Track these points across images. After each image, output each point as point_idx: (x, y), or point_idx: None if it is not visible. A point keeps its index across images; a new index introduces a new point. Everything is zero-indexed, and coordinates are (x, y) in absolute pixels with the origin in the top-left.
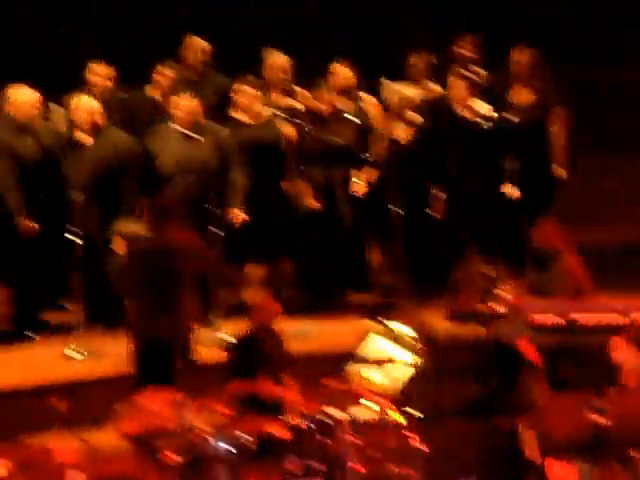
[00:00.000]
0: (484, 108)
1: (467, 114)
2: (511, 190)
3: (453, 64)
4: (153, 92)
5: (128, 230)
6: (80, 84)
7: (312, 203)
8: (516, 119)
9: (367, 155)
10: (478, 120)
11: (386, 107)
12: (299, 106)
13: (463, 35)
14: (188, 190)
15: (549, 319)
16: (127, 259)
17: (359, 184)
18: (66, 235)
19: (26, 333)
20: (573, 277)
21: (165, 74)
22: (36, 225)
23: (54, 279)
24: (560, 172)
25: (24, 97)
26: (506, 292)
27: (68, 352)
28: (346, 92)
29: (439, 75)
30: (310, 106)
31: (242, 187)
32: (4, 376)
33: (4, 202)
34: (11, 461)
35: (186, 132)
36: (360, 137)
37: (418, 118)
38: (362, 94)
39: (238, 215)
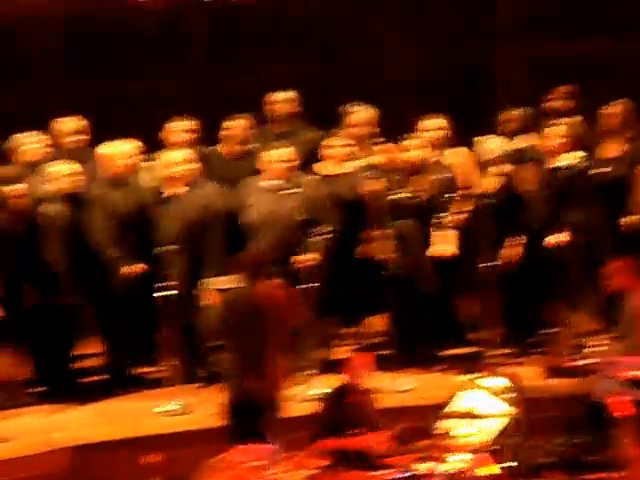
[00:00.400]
0: (574, 158)
1: (557, 165)
2: (555, 239)
3: (546, 116)
4: (224, 147)
5: (219, 285)
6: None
7: (387, 257)
8: (602, 171)
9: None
10: (566, 171)
11: (478, 161)
12: (385, 160)
13: (556, 87)
14: (274, 244)
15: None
16: (219, 314)
17: (443, 247)
18: (157, 289)
19: (119, 387)
20: None
21: (234, 128)
22: (140, 266)
23: (146, 333)
24: (628, 222)
25: (117, 151)
26: (599, 346)
27: (159, 409)
28: (435, 146)
29: (534, 128)
30: (396, 160)
31: (324, 239)
32: (97, 429)
33: (101, 256)
34: None
35: (274, 185)
36: (447, 191)
37: (506, 170)
38: (451, 149)
39: (306, 259)
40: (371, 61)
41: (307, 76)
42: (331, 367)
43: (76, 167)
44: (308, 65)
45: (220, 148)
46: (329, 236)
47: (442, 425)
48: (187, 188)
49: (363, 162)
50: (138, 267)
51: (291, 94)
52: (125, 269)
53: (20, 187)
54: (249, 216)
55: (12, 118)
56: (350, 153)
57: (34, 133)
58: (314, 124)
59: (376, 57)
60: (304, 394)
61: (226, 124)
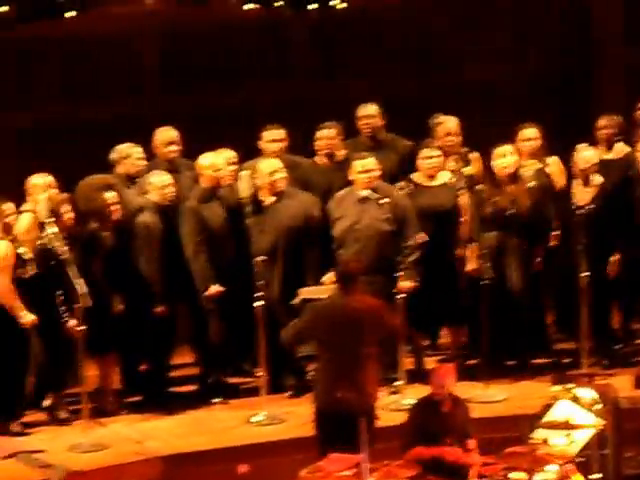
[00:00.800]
0: None
1: None
2: None
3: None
4: (320, 159)
5: (313, 294)
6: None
7: (476, 270)
8: None
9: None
10: None
11: (573, 171)
12: (478, 170)
13: None
14: (362, 254)
15: None
16: (312, 324)
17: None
18: (251, 299)
19: (212, 397)
20: None
21: (326, 139)
22: (221, 289)
23: (239, 343)
24: None
25: (209, 163)
26: None
27: (252, 419)
28: (530, 156)
29: (628, 137)
30: (490, 170)
31: (415, 252)
32: (189, 439)
33: (191, 268)
34: None
35: (363, 196)
36: (542, 201)
37: (601, 180)
38: (548, 158)
39: (406, 284)
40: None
41: (404, 86)
42: (420, 377)
43: (172, 178)
44: (403, 74)
45: (315, 158)
46: (420, 252)
47: (537, 435)
48: (280, 197)
49: (457, 173)
50: (216, 289)
51: (377, 107)
52: (206, 290)
53: (116, 196)
54: (338, 226)
55: (112, 129)
56: (443, 164)
57: (133, 145)
58: (407, 135)
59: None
60: (394, 404)
61: (317, 134)
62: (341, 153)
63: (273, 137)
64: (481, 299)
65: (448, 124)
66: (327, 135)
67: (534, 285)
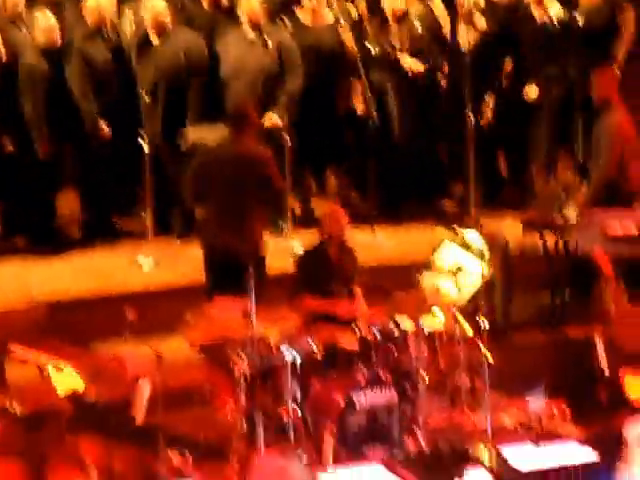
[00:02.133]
0: (556, 9)
1: (540, 16)
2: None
3: None
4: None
5: (197, 136)
6: None
7: (364, 110)
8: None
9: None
10: (549, 22)
11: (456, 11)
12: (360, 12)
13: None
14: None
15: (623, 229)
16: (196, 166)
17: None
18: (136, 139)
19: (98, 240)
20: (620, 132)
21: None
22: (107, 128)
23: (125, 185)
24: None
25: (95, 2)
26: (580, 201)
27: (139, 260)
28: None
29: None
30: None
31: (294, 91)
32: (75, 283)
33: (77, 107)
34: (82, 369)
35: (249, 35)
36: (425, 42)
37: (485, 22)
38: None
39: (273, 119)
40: None
41: None
42: (309, 221)
43: (53, 18)
44: None
45: None
46: (298, 92)
47: (424, 280)
48: (164, 37)
49: (341, 12)
50: (105, 129)
51: None
52: (97, 126)
53: None
54: (225, 67)
55: None
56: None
57: None
58: None
59: None
60: (282, 250)
61: None
62: None
63: None
64: (367, 141)
65: None
66: None
67: (422, 130)
